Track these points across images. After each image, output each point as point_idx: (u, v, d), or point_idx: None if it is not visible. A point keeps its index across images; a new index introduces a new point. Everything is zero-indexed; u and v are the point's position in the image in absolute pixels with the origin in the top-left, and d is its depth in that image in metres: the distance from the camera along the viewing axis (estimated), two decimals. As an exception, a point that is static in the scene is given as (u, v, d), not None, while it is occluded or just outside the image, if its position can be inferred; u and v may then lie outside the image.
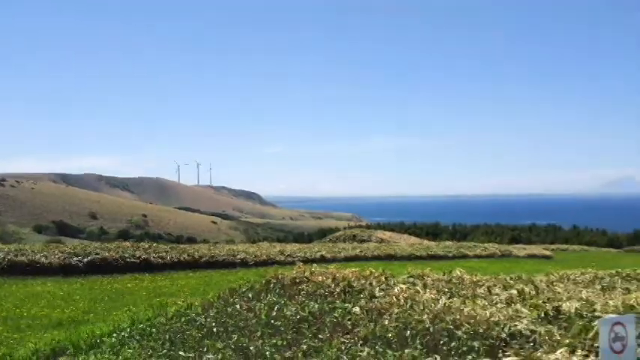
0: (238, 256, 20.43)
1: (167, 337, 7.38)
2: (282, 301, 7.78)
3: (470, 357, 4.93)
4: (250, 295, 8.57)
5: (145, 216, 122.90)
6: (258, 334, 6.72)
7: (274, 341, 6.37)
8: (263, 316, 7.26)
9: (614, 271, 12.30)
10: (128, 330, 8.31)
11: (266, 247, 25.17)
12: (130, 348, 7.25)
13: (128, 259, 18.17)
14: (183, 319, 8.21)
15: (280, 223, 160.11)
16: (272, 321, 7.07)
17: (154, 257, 18.83)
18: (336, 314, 6.87)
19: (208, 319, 7.81)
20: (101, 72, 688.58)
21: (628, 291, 9.24)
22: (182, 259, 19.23)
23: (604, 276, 11.46)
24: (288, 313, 7.19)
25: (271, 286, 8.78)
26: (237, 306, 8.12)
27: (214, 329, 7.28)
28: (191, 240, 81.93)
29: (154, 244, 22.59)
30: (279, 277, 9.02)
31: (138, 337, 7.74)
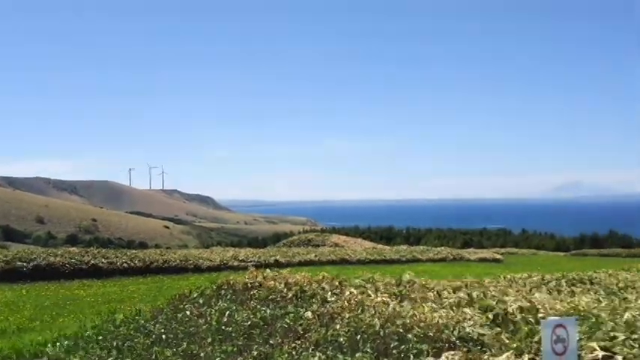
0: (191, 262, 20.18)
1: (114, 344, 7.21)
2: (234, 307, 7.72)
3: (418, 360, 4.98)
4: (201, 301, 8.48)
5: (94, 220, 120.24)
6: (209, 340, 6.65)
7: (225, 347, 6.31)
8: (214, 322, 7.18)
9: (560, 274, 12.66)
10: (74, 338, 8.09)
11: (219, 252, 24.92)
12: (75, 356, 7.06)
13: (76, 265, 17.73)
14: (131, 326, 8.05)
15: (234, 228, 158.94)
16: (223, 327, 7.00)
17: (103, 263, 18.42)
18: (287, 319, 6.85)
19: (157, 326, 7.68)
20: (50, 73, 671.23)
21: (573, 294, 9.54)
22: (133, 264, 18.88)
23: (551, 279, 11.80)
24: (240, 318, 7.14)
25: (223, 291, 8.70)
26: (188, 312, 8.02)
27: (163, 336, 7.16)
28: (143, 245, 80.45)
29: (104, 250, 22.09)
30: (231, 282, 8.95)
31: (84, 345, 7.53)
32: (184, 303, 8.68)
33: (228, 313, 7.43)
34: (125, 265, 18.67)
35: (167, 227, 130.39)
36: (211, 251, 26.35)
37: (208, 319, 7.44)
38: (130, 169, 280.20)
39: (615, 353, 4.65)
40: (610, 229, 60.00)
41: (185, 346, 6.55)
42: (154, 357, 6.43)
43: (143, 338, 7.23)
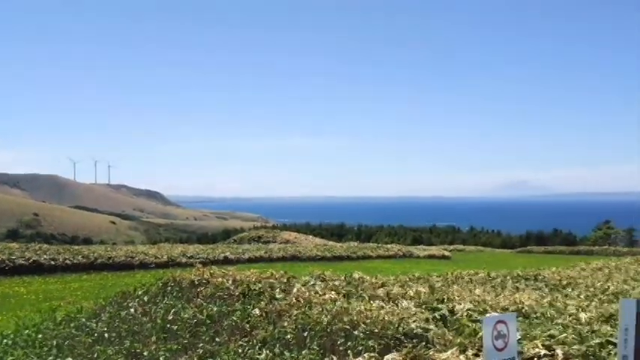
0: (137, 258, 19.75)
1: (54, 343, 6.96)
2: (180, 304, 7.56)
3: (361, 357, 4.97)
4: (146, 299, 8.26)
5: (36, 215, 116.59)
6: (153, 338, 6.49)
7: (169, 346, 6.17)
8: (158, 320, 7.01)
9: (505, 271, 12.95)
10: (12, 337, 7.75)
11: (167, 249, 24.49)
12: (13, 356, 6.77)
13: (16, 261, 17.10)
14: (72, 324, 7.79)
15: (183, 224, 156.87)
16: (168, 325, 6.85)
17: (45, 259, 17.84)
18: (234, 317, 6.74)
19: (100, 324, 7.46)
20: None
21: (517, 290, 9.75)
22: (76, 260, 18.34)
23: (496, 276, 12.04)
24: (186, 316, 6.99)
25: (168, 288, 8.51)
26: (132, 310, 7.80)
27: (106, 334, 6.96)
28: (87, 241, 78.85)
29: (46, 245, 21.39)
30: (177, 279, 8.76)
31: (22, 344, 7.24)
32: (128, 300, 8.45)
33: (173, 310, 7.27)
34: (68, 261, 18.13)
35: (113, 223, 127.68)
36: (159, 247, 25.87)
37: (153, 316, 7.27)
38: (74, 163, 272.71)
39: (556, 348, 4.74)
40: (554, 227, 61.87)
41: (128, 344, 6.37)
42: (95, 356, 6.23)
43: (84, 337, 7.00)
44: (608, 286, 11.04)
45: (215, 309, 7.17)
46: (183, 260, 20.32)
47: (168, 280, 8.93)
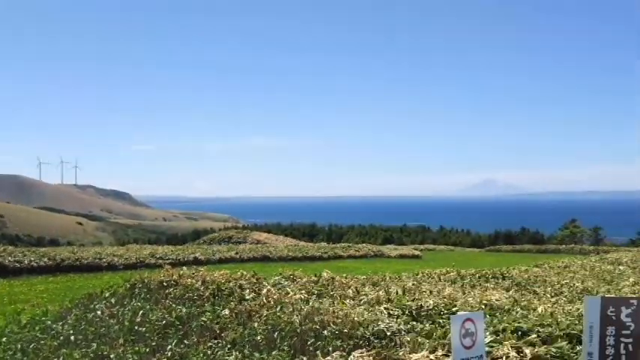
0: (105, 259, 19.42)
1: (19, 347, 6.78)
2: (148, 306, 7.45)
3: (329, 357, 4.96)
4: (113, 300, 8.12)
5: (1, 216, 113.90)
6: (121, 341, 6.38)
7: (137, 348, 6.07)
8: (126, 322, 6.90)
9: (474, 270, 13.08)
10: (-25, 341, 7.56)
11: (136, 250, 24.15)
12: (-25, 361, 6.60)
13: (-20, 264, 16.67)
14: (37, 328, 7.59)
15: (153, 225, 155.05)
16: (136, 327, 6.74)
17: (9, 261, 17.42)
18: (204, 318, 6.67)
19: (66, 327, 7.30)
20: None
21: (487, 289, 9.87)
22: (42, 262, 17.96)
23: (466, 275, 12.17)
24: (154, 318, 6.89)
25: (136, 290, 8.39)
26: (99, 312, 7.66)
27: (72, 337, 6.81)
28: (54, 242, 77.48)
29: (11, 247, 20.93)
30: (146, 280, 8.64)
31: (-14, 349, 7.05)
32: (95, 302, 8.30)
33: (141, 312, 7.16)
34: (34, 263, 17.74)
35: (80, 224, 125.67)
36: (127, 249, 25.50)
37: (120, 318, 7.15)
38: (39, 163, 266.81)
39: (523, 346, 4.80)
40: (522, 226, 62.80)
41: (95, 347, 6.24)
42: (61, 359, 6.09)
43: (50, 340, 6.84)
44: (575, 284, 11.24)
45: (184, 310, 7.09)
46: (152, 261, 20.05)
47: (136, 281, 8.80)
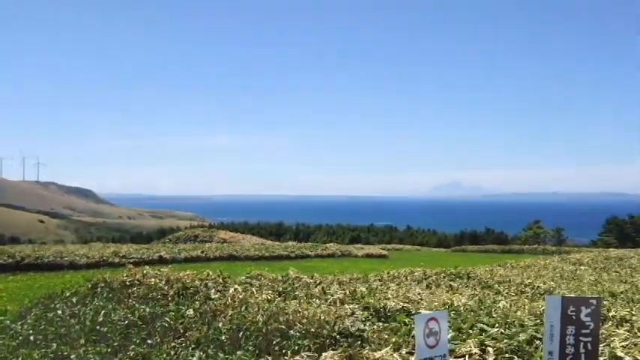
0: (67, 258, 19.01)
1: (-25, 348, 6.60)
2: (110, 306, 7.33)
3: (298, 357, 4.94)
4: (75, 300, 7.97)
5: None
6: (82, 341, 6.25)
7: (99, 348, 5.96)
8: (87, 322, 6.78)
9: (440, 270, 13.21)
10: None
11: (99, 248, 23.74)
12: None
13: None
14: (-5, 328, 7.41)
15: (117, 223, 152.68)
16: (97, 327, 6.62)
17: (-33, 259, 16.95)
18: (168, 318, 6.59)
19: (25, 327, 7.13)
20: None
21: (452, 288, 9.97)
22: (2, 260, 17.50)
23: (431, 274, 12.27)
24: (116, 318, 6.78)
25: (99, 289, 8.24)
26: (60, 312, 7.50)
27: (31, 337, 6.65)
28: (14, 240, 75.76)
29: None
30: (108, 279, 8.49)
31: (-60, 350, 6.84)
32: (56, 302, 8.13)
33: (103, 312, 7.04)
34: (-7, 261, 17.30)
35: (42, 221, 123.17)
36: (90, 247, 25.06)
37: (82, 318, 7.01)
38: (0, 159, 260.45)
39: (487, 345, 4.85)
40: (487, 226, 63.68)
41: (55, 347, 6.11)
42: (20, 359, 5.94)
43: (8, 340, 6.67)
44: (537, 284, 11.43)
45: (147, 310, 7.00)
46: (116, 260, 19.72)
47: (98, 280, 8.65)
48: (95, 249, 23.10)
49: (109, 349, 5.94)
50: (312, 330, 5.42)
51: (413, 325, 5.33)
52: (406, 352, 4.69)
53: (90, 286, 8.52)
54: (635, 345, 4.59)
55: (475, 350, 4.72)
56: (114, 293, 7.97)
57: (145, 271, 8.70)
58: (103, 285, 8.36)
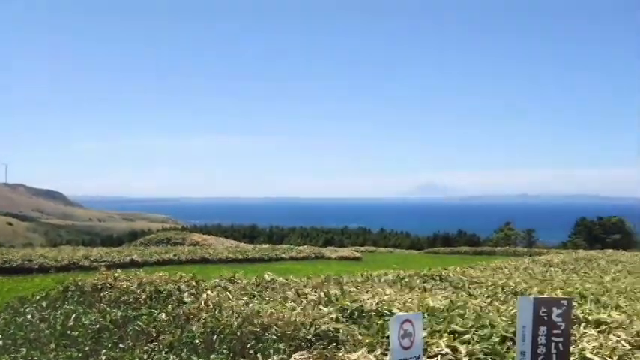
0: (36, 261, 18.67)
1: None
2: (81, 310, 7.21)
3: (272, 359, 4.93)
4: (45, 304, 7.83)
5: None
6: (52, 345, 6.14)
7: (70, 353, 5.86)
8: (58, 326, 6.66)
9: (413, 271, 13.29)
10: None
11: (69, 251, 23.33)
12: None
13: None
14: (-38, 333, 7.24)
15: (87, 225, 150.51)
16: (68, 331, 6.51)
17: None
18: (140, 322, 6.51)
19: (-7, 332, 6.98)
20: None
21: (425, 289, 10.04)
22: (-32, 264, 17.14)
23: (405, 276, 12.34)
24: (87, 321, 6.67)
25: (69, 293, 8.11)
26: (29, 316, 7.36)
27: (0, 342, 6.52)
28: (-18, 243, 74.04)
29: None
30: (79, 283, 8.36)
31: None
32: (26, 306, 7.97)
33: (74, 316, 6.92)
34: (-41, 265, 16.91)
35: (10, 224, 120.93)
36: (59, 250, 24.62)
37: (52, 322, 6.89)
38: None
39: (459, 346, 4.90)
40: (459, 228, 64.32)
41: (25, 352, 6.00)
42: (-13, 366, 5.83)
43: (-24, 346, 6.53)
44: (509, 285, 11.56)
45: (119, 314, 6.91)
46: (86, 263, 19.42)
47: (69, 284, 8.51)
48: (65, 252, 22.69)
49: (81, 354, 5.85)
50: (288, 332, 5.41)
51: (387, 327, 5.37)
52: (380, 353, 4.71)
53: (61, 289, 8.38)
54: (605, 345, 4.68)
55: (447, 350, 4.77)
56: (85, 297, 7.85)
57: (116, 275, 8.58)
58: (74, 288, 8.23)
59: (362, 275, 12.22)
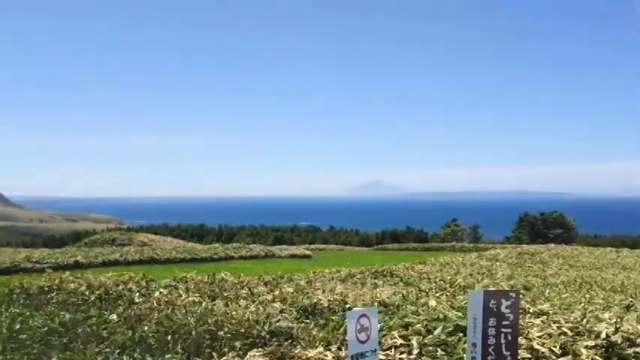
0: (-25, 264, 18.01)
1: None
2: (28, 312, 7.02)
3: (224, 358, 4.93)
4: (-11, 308, 7.57)
5: None
6: (-1, 349, 5.96)
7: (18, 356, 5.71)
8: (4, 330, 6.46)
9: (364, 268, 13.48)
10: None
11: (9, 253, 22.56)
12: None
13: None
14: None
15: (27, 226, 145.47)
16: (15, 334, 6.33)
17: None
18: (90, 323, 6.39)
19: None
20: None
21: (376, 286, 10.21)
22: None
23: (356, 273, 12.51)
24: (35, 324, 6.50)
25: (15, 296, 7.87)
26: (-28, 320, 7.11)
27: (-59, 349, 6.28)
28: None
29: None
30: (25, 285, 8.13)
31: None
32: (-32, 310, 7.70)
33: (21, 319, 6.73)
34: None
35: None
36: None
37: (-2, 326, 6.68)
38: None
39: (411, 338, 5.03)
40: (407, 225, 65.24)
41: (-31, 357, 5.81)
42: None
43: None
44: (457, 280, 11.88)
45: (68, 316, 6.76)
46: (29, 266, 18.81)
47: (14, 287, 8.26)
48: (5, 254, 21.93)
49: (30, 357, 5.71)
50: (242, 330, 5.42)
51: (342, 322, 5.46)
52: (336, 349, 4.78)
53: (6, 292, 8.12)
54: (550, 336, 4.88)
55: (400, 342, 4.88)
56: (31, 300, 7.64)
57: (63, 277, 8.38)
58: (19, 291, 7.99)
59: (314, 272, 12.33)
